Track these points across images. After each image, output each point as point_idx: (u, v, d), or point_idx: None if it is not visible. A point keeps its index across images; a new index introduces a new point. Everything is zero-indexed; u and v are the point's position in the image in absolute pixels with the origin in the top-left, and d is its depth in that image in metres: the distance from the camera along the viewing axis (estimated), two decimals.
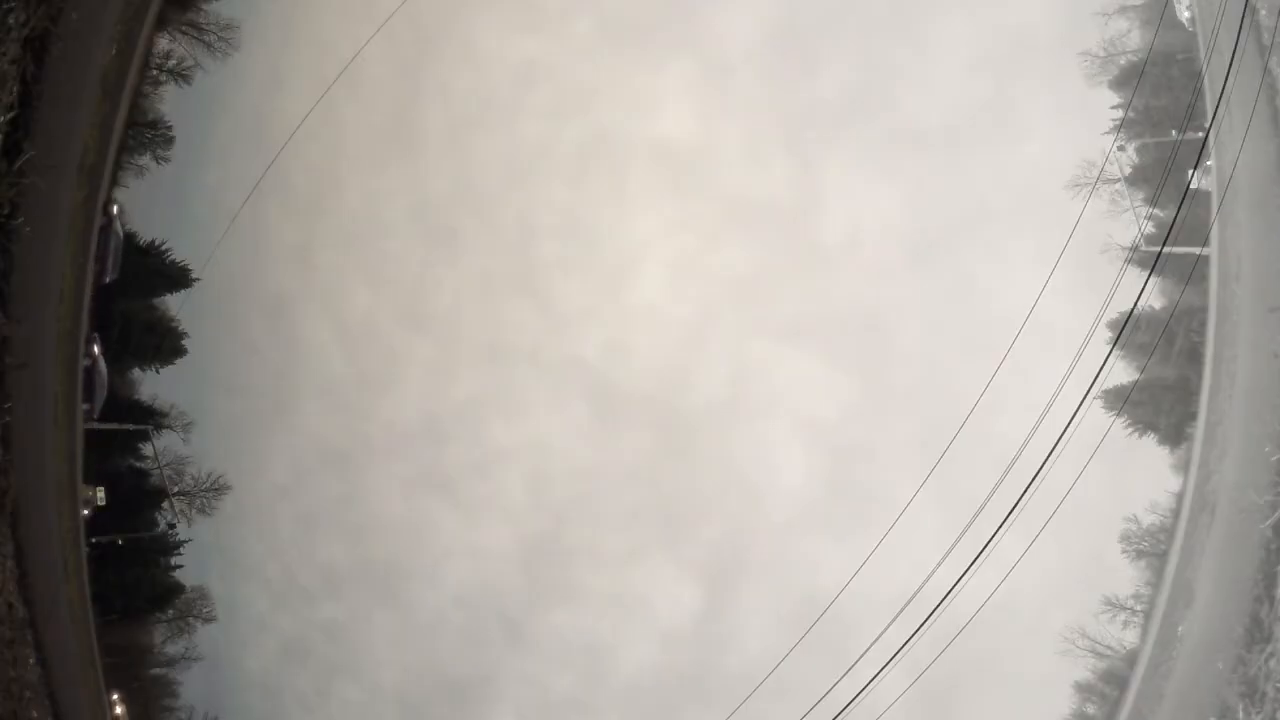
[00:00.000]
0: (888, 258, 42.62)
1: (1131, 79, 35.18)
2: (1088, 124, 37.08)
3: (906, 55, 40.62)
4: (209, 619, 37.41)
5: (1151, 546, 34.26)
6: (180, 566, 35.83)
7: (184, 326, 34.28)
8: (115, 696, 29.30)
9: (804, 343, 43.97)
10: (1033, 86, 38.89)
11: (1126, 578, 35.31)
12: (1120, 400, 32.84)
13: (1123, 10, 37.50)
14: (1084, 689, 35.94)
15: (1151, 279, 22.85)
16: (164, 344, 33.41)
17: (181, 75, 32.97)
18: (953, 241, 41.52)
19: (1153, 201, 33.77)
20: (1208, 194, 30.22)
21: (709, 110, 43.89)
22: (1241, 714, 23.88)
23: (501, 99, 44.04)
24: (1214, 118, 26.53)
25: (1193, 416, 32.58)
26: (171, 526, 34.60)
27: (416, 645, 44.81)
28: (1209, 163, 29.93)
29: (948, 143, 40.51)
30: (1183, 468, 33.69)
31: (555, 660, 44.35)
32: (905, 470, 32.64)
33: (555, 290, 45.45)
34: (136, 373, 34.09)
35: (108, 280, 27.23)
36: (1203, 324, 31.95)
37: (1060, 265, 24.95)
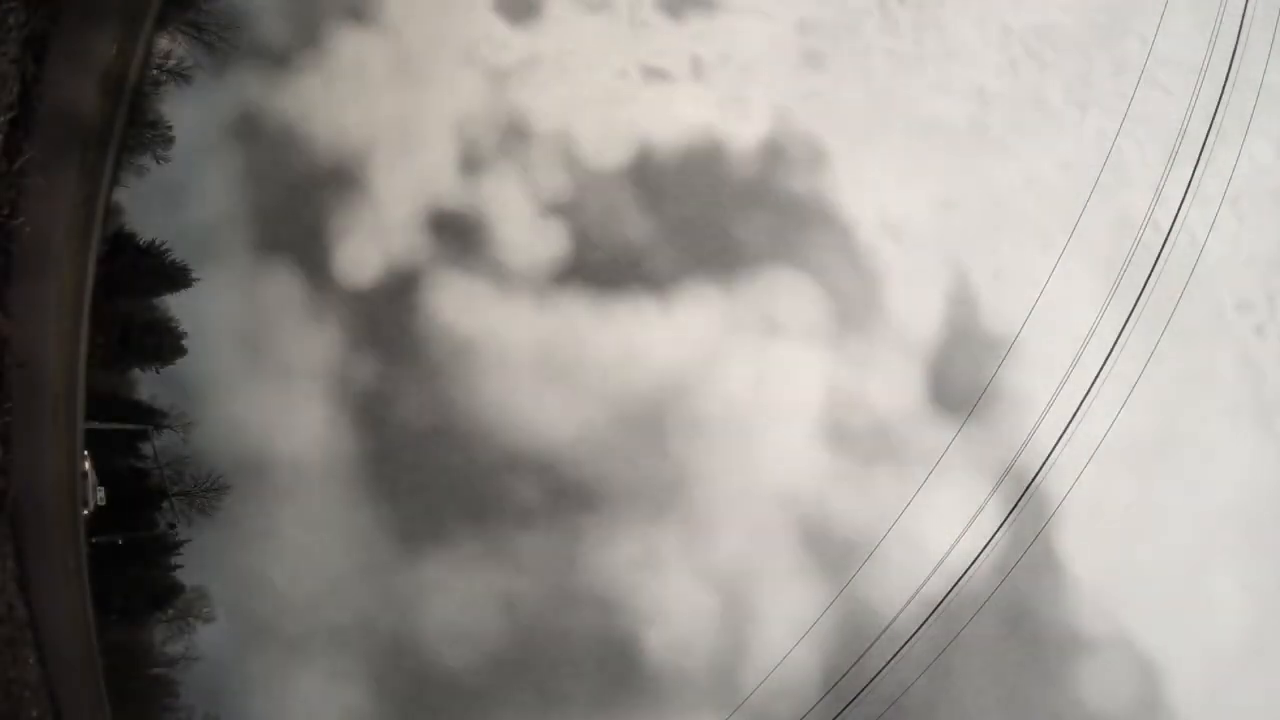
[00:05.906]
0: (907, 257, 42.33)
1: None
2: (1088, 123, 37.12)
3: (916, 52, 40.56)
4: (209, 619, 37.38)
5: None
6: (180, 566, 35.84)
7: (184, 326, 34.34)
8: (88, 461, 26.78)
9: (825, 344, 43.64)
10: (1038, 86, 38.94)
11: None
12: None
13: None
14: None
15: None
16: (164, 344, 33.46)
17: (181, 75, 33.02)
18: (966, 241, 41.33)
19: (1153, 201, 33.76)
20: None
21: (725, 106, 43.66)
22: None
23: (509, 96, 43.94)
24: (1214, 118, 26.53)
25: None
26: (171, 526, 34.58)
27: (421, 650, 44.66)
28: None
29: (958, 143, 40.46)
30: None
31: (563, 665, 44.16)
32: (932, 474, 32.41)
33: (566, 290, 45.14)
34: (136, 373, 34.13)
35: None
36: None
37: (1060, 264, 24.99)
